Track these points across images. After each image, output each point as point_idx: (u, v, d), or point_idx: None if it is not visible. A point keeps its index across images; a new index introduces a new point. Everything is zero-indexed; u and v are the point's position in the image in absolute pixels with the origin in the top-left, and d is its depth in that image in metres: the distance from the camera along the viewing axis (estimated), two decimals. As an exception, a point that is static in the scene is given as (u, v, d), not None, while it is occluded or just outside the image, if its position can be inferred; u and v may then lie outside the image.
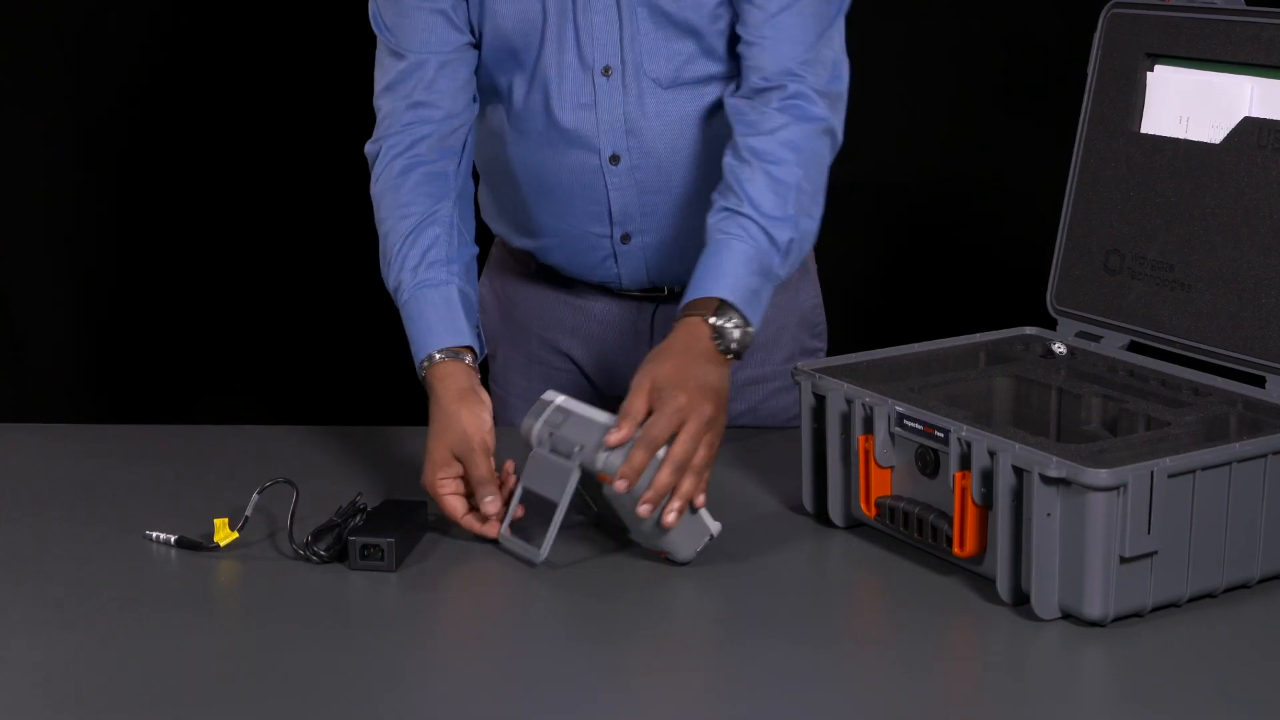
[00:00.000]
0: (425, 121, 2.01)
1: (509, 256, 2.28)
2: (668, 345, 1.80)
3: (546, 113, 2.05)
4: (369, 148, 2.05)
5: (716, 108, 2.05)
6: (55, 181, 3.27)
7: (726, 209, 1.88)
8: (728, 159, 1.92)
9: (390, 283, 1.97)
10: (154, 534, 1.83)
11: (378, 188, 2.02)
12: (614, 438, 1.71)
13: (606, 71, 2.02)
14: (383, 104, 2.04)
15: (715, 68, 2.04)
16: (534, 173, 2.10)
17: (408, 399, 3.37)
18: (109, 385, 3.37)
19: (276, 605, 1.69)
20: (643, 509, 1.69)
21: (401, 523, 1.78)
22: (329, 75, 3.21)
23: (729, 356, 1.82)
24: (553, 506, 1.73)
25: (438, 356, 1.90)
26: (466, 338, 1.92)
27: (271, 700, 1.49)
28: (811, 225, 1.93)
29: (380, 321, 3.35)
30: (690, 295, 1.84)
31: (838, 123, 1.98)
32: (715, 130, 2.06)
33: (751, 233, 1.86)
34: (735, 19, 1.99)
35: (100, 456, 2.12)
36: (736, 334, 1.81)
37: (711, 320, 1.81)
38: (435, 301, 1.93)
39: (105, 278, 3.32)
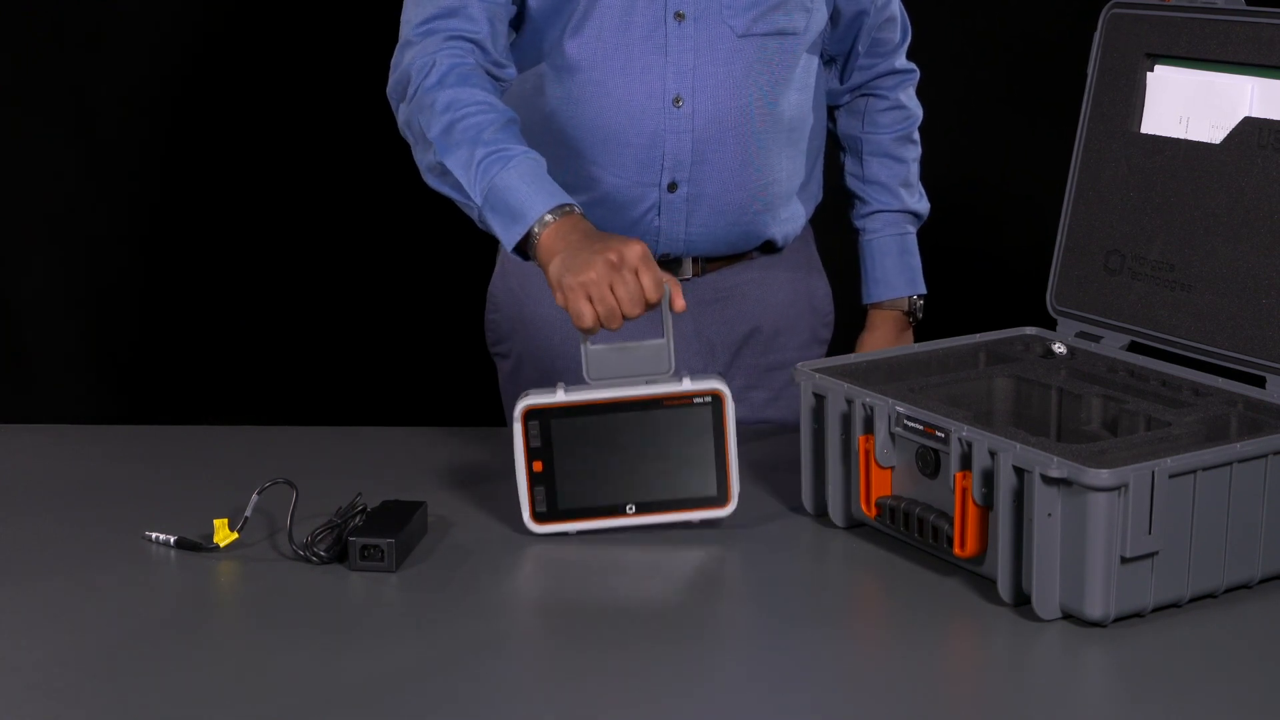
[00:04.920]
0: (469, 52, 2.00)
1: None
2: (883, 333, 2.35)
3: (611, 58, 2.07)
4: (397, 75, 2.01)
5: (781, 63, 2.13)
6: (56, 182, 3.27)
7: (874, 211, 2.33)
8: (865, 167, 2.33)
9: (463, 154, 1.92)
10: (153, 534, 1.83)
11: (428, 82, 1.96)
12: None
13: (679, 16, 2.07)
14: (415, 38, 2.01)
15: (795, 20, 2.12)
16: (590, 121, 2.11)
17: (408, 399, 3.39)
18: (109, 385, 3.37)
19: (276, 606, 1.69)
20: None
21: (401, 523, 1.78)
22: (331, 77, 3.21)
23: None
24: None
25: (566, 209, 1.87)
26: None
27: (271, 701, 1.49)
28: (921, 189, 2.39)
29: (381, 321, 3.37)
30: (879, 295, 2.34)
31: None
32: (775, 86, 2.13)
33: (905, 225, 2.35)
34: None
35: (100, 457, 2.12)
36: (920, 304, 2.37)
37: (906, 309, 2.36)
38: (532, 167, 1.91)
39: (105, 278, 3.32)
